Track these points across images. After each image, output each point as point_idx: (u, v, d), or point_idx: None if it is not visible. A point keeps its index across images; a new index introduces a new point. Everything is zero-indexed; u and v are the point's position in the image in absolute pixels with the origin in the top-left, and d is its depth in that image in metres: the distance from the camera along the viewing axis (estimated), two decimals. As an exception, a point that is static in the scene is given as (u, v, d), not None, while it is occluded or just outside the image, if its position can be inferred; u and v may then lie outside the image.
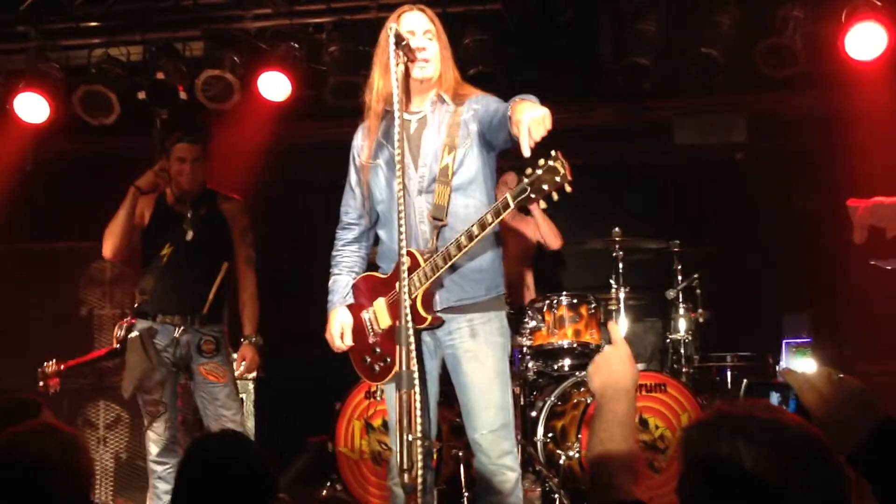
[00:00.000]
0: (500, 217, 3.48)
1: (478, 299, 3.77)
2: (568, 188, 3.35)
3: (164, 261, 5.20)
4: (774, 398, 2.15)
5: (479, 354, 3.73)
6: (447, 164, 3.72)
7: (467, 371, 3.72)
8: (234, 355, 5.43)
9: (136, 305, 5.24)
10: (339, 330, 3.90)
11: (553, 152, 3.36)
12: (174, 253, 5.21)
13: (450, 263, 3.59)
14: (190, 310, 5.18)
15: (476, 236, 3.52)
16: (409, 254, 3.63)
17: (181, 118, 5.56)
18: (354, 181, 3.97)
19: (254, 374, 5.88)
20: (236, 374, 5.39)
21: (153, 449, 5.14)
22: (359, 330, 3.90)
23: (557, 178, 3.32)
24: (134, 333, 5.14)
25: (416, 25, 3.75)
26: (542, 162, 3.37)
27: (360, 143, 3.94)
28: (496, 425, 3.70)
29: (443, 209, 3.71)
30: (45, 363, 5.42)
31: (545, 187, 3.34)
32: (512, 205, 3.43)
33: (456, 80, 3.85)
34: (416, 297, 3.65)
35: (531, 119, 3.28)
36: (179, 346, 5.16)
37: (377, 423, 5.62)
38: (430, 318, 3.68)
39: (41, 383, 5.35)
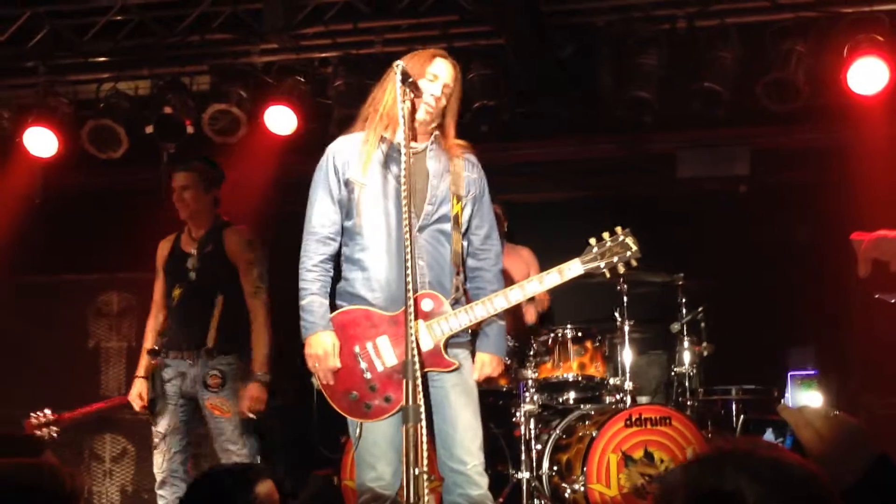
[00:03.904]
0: (564, 280, 3.71)
1: (461, 339, 3.84)
2: (634, 263, 3.70)
3: (175, 302, 5.26)
4: (770, 434, 2.17)
5: (467, 388, 3.80)
6: (457, 213, 3.78)
7: (457, 404, 3.75)
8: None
9: (156, 348, 5.28)
10: (332, 349, 3.72)
11: (619, 228, 3.71)
12: (183, 293, 5.26)
13: (493, 314, 3.74)
14: (196, 344, 5.20)
15: (528, 295, 3.77)
16: (433, 296, 3.71)
17: (181, 152, 5.59)
18: (337, 195, 3.84)
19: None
20: (238, 411, 5.25)
21: (157, 480, 5.19)
22: (347, 364, 3.78)
23: (628, 253, 3.70)
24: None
25: (442, 75, 3.78)
26: (607, 235, 3.69)
27: (349, 158, 3.83)
28: (482, 457, 3.78)
29: (460, 256, 3.79)
30: (34, 414, 5.41)
31: (615, 259, 3.68)
32: (582, 270, 3.70)
33: (454, 133, 3.91)
34: (440, 341, 3.69)
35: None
36: (187, 379, 5.19)
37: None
38: (455, 363, 3.74)
39: (37, 432, 5.34)
